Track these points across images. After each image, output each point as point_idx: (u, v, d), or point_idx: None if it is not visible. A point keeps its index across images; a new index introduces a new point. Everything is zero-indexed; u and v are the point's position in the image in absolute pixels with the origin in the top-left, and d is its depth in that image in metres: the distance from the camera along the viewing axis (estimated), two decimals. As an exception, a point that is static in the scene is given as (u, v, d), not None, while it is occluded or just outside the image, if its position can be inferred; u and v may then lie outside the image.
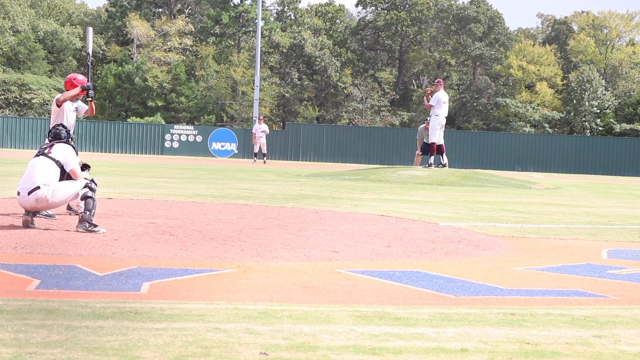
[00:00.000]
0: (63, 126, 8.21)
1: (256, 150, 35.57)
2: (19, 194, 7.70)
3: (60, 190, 7.60)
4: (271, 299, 4.74)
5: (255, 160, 35.49)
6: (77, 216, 7.81)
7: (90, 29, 9.77)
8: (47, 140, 8.13)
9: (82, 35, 63.04)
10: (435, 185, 18.67)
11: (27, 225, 7.60)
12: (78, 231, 7.45)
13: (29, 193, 7.56)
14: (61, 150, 7.85)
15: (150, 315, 4.15)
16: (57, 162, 7.73)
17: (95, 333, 3.73)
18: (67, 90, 9.26)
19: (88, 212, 7.49)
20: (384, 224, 9.54)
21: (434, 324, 4.21)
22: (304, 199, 13.28)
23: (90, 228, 7.43)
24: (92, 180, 7.80)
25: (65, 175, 7.78)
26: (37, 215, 7.98)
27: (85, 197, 7.54)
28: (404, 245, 7.60)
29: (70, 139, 8.15)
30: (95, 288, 4.91)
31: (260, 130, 35.21)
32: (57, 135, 8.08)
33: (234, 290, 4.98)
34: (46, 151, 7.83)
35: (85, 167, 8.21)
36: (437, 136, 20.73)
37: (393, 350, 3.65)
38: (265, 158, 35.50)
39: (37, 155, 7.86)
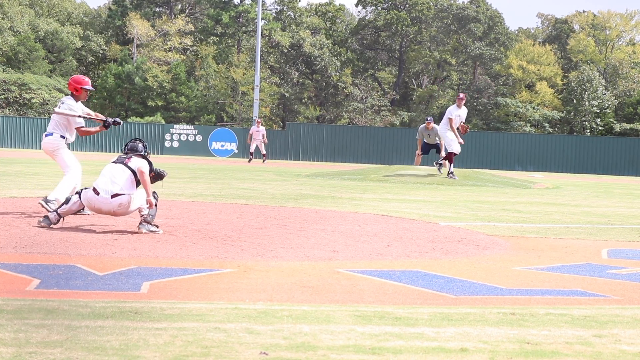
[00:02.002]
0: (140, 140, 8.34)
1: (252, 150, 35.44)
2: (97, 193, 7.77)
3: (136, 198, 7.85)
4: (271, 298, 4.74)
5: (250, 160, 35.35)
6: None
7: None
8: (123, 154, 8.23)
9: (82, 35, 63.09)
10: (435, 185, 18.67)
11: (44, 227, 7.74)
12: (141, 232, 7.63)
13: (113, 197, 7.74)
14: (138, 162, 8.04)
15: (150, 315, 4.15)
16: (133, 172, 7.93)
17: (95, 333, 3.73)
18: (72, 93, 9.22)
19: (151, 217, 7.79)
20: (384, 223, 9.54)
21: (434, 323, 4.21)
22: (304, 198, 13.28)
23: (152, 229, 7.68)
24: (154, 192, 8.02)
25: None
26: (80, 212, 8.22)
27: (151, 204, 7.82)
28: (404, 245, 7.60)
29: (146, 153, 8.25)
30: (95, 288, 4.91)
31: (260, 133, 34.96)
32: (133, 148, 8.22)
33: (233, 290, 4.98)
34: (125, 161, 8.02)
35: (160, 176, 8.31)
36: (454, 145, 19.71)
37: (393, 350, 3.65)
38: (264, 157, 35.34)
39: (116, 162, 8.03)
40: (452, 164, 20.26)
